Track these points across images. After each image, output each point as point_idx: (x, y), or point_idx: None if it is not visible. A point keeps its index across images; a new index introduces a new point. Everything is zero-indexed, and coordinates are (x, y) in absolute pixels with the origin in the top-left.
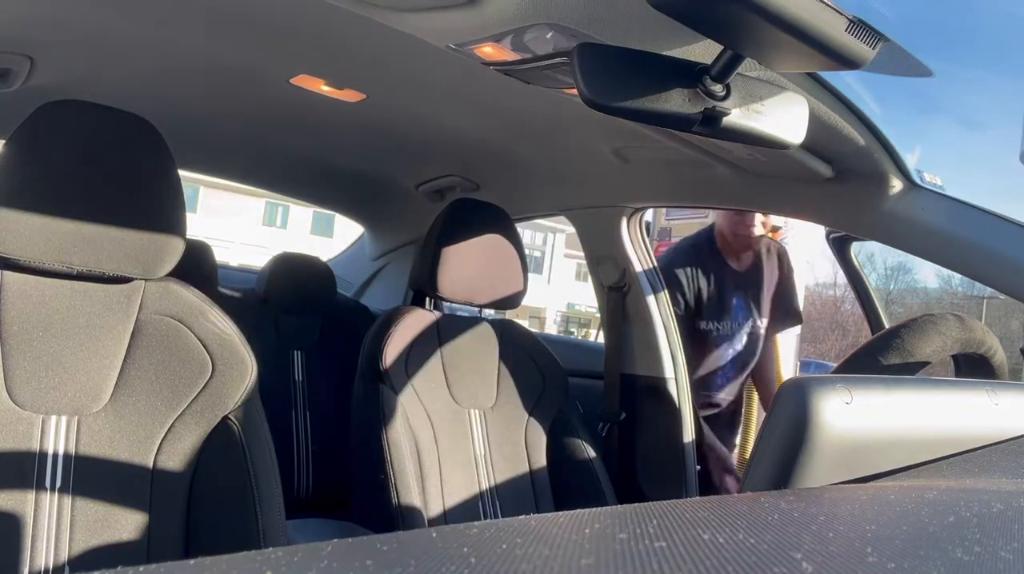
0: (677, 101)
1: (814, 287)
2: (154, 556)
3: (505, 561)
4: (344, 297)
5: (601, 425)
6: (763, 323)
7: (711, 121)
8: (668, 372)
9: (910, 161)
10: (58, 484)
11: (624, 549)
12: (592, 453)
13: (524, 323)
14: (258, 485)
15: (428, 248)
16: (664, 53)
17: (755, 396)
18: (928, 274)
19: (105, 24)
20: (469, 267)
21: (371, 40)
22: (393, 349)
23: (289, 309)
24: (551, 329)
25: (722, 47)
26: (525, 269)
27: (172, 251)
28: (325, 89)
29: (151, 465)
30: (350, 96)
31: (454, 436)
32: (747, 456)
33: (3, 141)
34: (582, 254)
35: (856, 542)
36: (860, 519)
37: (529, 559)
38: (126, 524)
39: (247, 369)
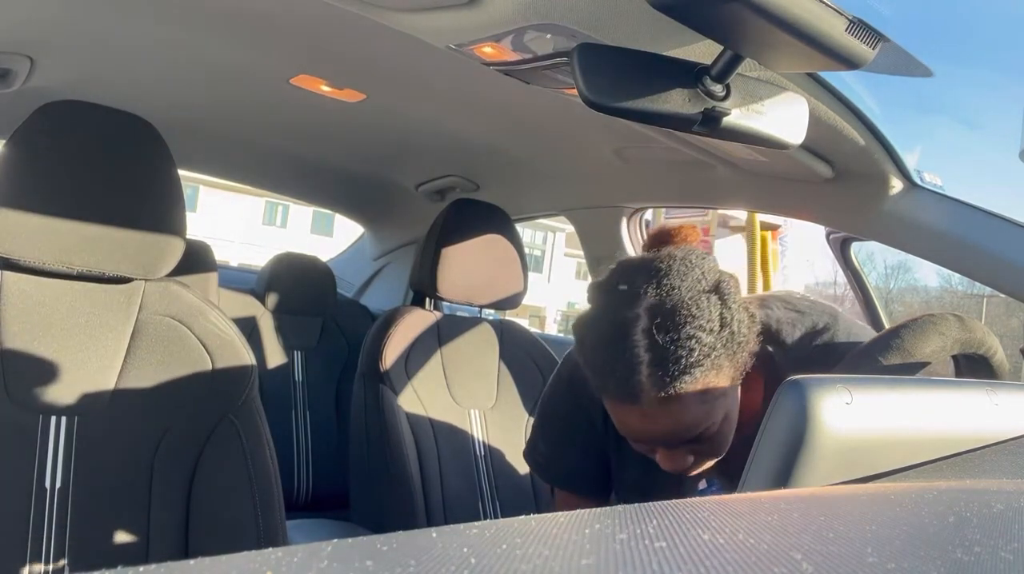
0: (677, 101)
1: (814, 285)
2: (154, 556)
3: (505, 561)
4: (344, 297)
5: None
6: None
7: (711, 121)
8: None
9: (910, 161)
10: (58, 484)
11: (624, 549)
12: None
13: (524, 322)
14: (258, 485)
15: (428, 248)
16: (664, 53)
17: None
18: (928, 273)
19: (105, 24)
20: (469, 267)
21: (371, 40)
22: (393, 349)
23: (289, 309)
24: (551, 328)
25: (722, 47)
26: (525, 269)
27: (172, 251)
28: (325, 89)
29: (151, 465)
30: (350, 96)
31: (454, 436)
32: None
33: (3, 141)
34: (582, 253)
35: (856, 542)
36: (860, 519)
37: (529, 559)
38: (126, 524)
39: (247, 369)
